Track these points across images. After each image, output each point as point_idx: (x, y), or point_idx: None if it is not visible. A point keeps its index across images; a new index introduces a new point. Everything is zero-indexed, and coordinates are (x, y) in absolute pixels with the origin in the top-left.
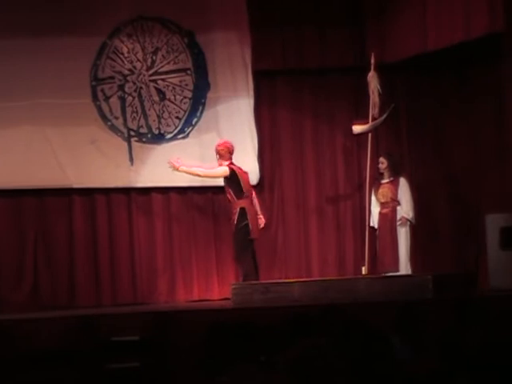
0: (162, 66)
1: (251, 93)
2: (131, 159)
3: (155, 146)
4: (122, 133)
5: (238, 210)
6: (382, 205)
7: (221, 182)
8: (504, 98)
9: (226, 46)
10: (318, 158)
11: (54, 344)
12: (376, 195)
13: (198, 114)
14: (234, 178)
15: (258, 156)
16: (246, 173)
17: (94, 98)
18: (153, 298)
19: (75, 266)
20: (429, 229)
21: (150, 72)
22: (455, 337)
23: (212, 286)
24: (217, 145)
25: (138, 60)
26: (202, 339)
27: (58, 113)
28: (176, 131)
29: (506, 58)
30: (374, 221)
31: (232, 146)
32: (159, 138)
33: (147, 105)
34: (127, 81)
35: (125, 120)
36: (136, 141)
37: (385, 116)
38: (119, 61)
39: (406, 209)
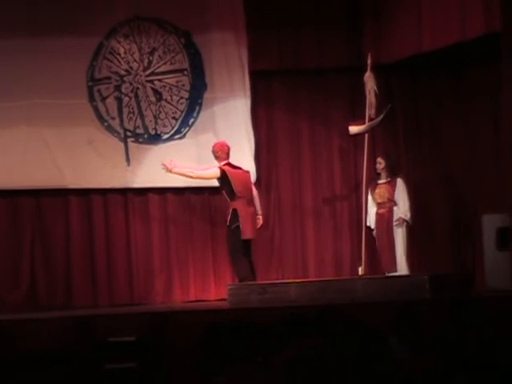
0: (158, 67)
1: (248, 93)
2: (128, 160)
3: (152, 147)
4: (119, 133)
5: (231, 211)
6: (379, 205)
7: (215, 183)
8: (500, 98)
9: (222, 47)
10: (315, 158)
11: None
12: (373, 195)
13: (195, 115)
14: (225, 180)
15: (254, 156)
16: (245, 172)
17: (91, 98)
18: (149, 299)
19: (72, 267)
20: (426, 229)
21: (147, 72)
22: (452, 337)
23: (209, 287)
24: (213, 145)
25: (135, 60)
26: (198, 340)
27: (54, 113)
28: (173, 132)
29: (502, 58)
30: (371, 221)
31: (227, 147)
32: (156, 139)
33: (144, 105)
34: (124, 81)
35: (121, 120)
36: (132, 141)
37: (381, 116)
38: (116, 61)
39: (403, 209)
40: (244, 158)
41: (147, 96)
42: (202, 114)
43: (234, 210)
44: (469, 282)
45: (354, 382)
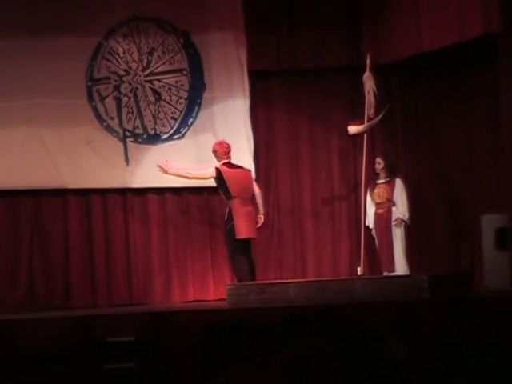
0: (157, 67)
1: (247, 93)
2: (127, 160)
3: (151, 147)
4: (118, 133)
5: (227, 210)
6: (378, 205)
7: (214, 183)
8: (500, 98)
9: (221, 47)
10: (314, 158)
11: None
12: (371, 195)
13: (194, 115)
14: (220, 180)
15: (253, 156)
16: (245, 171)
17: (90, 98)
18: (148, 299)
19: (71, 267)
20: (424, 229)
21: (146, 72)
22: (451, 337)
23: (207, 287)
24: (212, 145)
25: (134, 60)
26: (197, 340)
27: (53, 113)
28: (172, 132)
29: (501, 58)
30: (369, 221)
31: (227, 146)
32: (155, 139)
33: (143, 105)
34: (123, 81)
35: (120, 120)
36: (131, 141)
37: (380, 116)
38: (115, 61)
39: (401, 210)
40: (243, 157)
41: (146, 96)
42: (201, 113)
43: (230, 210)
44: (468, 282)
45: (353, 382)
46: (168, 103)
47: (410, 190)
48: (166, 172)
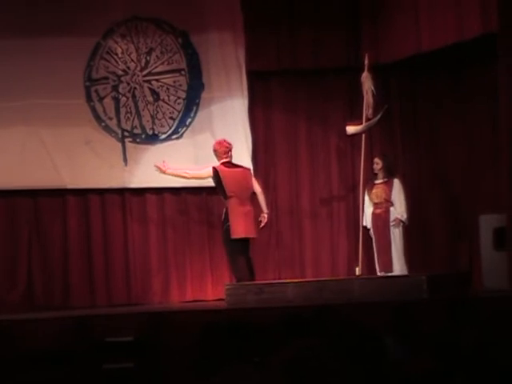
0: (155, 67)
1: (245, 93)
2: (125, 160)
3: (149, 147)
4: (116, 133)
5: (224, 210)
6: (376, 205)
7: (212, 183)
8: (499, 98)
9: (220, 47)
10: (312, 158)
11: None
12: (369, 195)
13: (192, 115)
14: (217, 179)
15: (252, 156)
16: (245, 170)
17: (88, 98)
18: (147, 299)
19: (69, 267)
20: (423, 229)
21: (144, 72)
22: (449, 337)
23: (206, 287)
24: (213, 144)
25: (132, 60)
26: (196, 340)
27: (52, 113)
28: (170, 132)
29: (500, 58)
30: (367, 221)
31: (226, 145)
32: (153, 139)
33: (141, 105)
34: (121, 81)
35: (119, 120)
36: (130, 141)
37: (379, 117)
38: (113, 61)
39: (399, 210)
40: (241, 158)
41: (144, 96)
42: (199, 114)
43: (227, 210)
44: (466, 282)
45: (352, 382)
46: (166, 103)
47: (409, 190)
48: (163, 172)
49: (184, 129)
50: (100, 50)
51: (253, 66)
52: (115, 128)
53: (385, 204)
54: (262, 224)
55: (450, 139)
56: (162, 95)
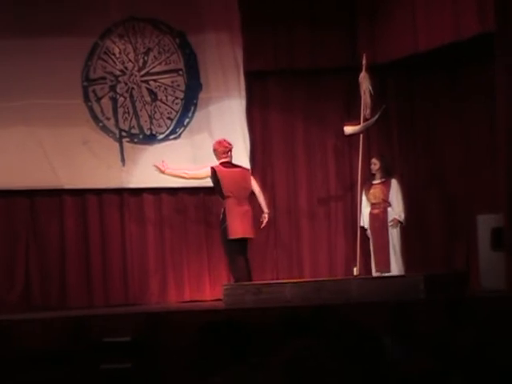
0: (153, 67)
1: (243, 93)
2: (123, 160)
3: (147, 147)
4: (114, 133)
5: (222, 210)
6: (373, 205)
7: (210, 183)
8: (496, 97)
9: (217, 47)
10: (310, 158)
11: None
12: (367, 195)
13: (190, 115)
14: (215, 179)
15: (249, 156)
16: (243, 171)
17: (86, 98)
18: (144, 299)
19: (67, 267)
20: (420, 229)
21: (142, 73)
22: (447, 337)
23: (204, 287)
24: (213, 143)
25: (130, 61)
26: (193, 340)
27: (49, 113)
28: (168, 132)
29: (497, 57)
30: (365, 221)
31: (225, 145)
32: (151, 139)
33: (139, 105)
34: (119, 81)
35: (116, 121)
36: (128, 141)
37: (376, 117)
38: (111, 61)
39: (397, 210)
40: (239, 158)
41: (142, 96)
42: (197, 114)
43: (224, 210)
44: (463, 282)
45: (350, 382)
46: (164, 103)
47: (406, 190)
48: (162, 172)
49: (182, 129)
50: (98, 50)
51: (250, 66)
52: (113, 128)
53: (382, 204)
54: (263, 225)
55: (447, 139)
56: (160, 95)
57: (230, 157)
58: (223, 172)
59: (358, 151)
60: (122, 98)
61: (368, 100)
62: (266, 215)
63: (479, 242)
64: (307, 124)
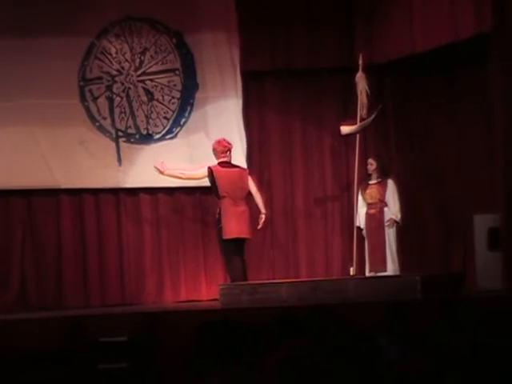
0: (150, 67)
1: (239, 93)
2: (119, 160)
3: (143, 147)
4: (110, 133)
5: (218, 210)
6: (370, 205)
7: (207, 183)
8: (492, 98)
9: (214, 47)
10: (307, 158)
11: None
12: (363, 196)
13: (187, 115)
14: (211, 179)
15: (246, 156)
16: (241, 171)
17: (82, 98)
18: (141, 299)
19: (63, 267)
20: (417, 229)
21: (138, 72)
22: (443, 337)
23: (200, 287)
24: (213, 143)
25: (126, 60)
26: (189, 340)
27: (46, 113)
28: (164, 131)
29: (494, 58)
30: (361, 221)
31: (224, 144)
32: (147, 139)
33: (135, 105)
34: (115, 81)
35: (113, 120)
36: (124, 141)
37: (373, 117)
38: (107, 61)
39: (393, 210)
40: (236, 158)
41: (139, 96)
42: (193, 113)
43: (220, 210)
44: (460, 283)
45: (345, 382)
46: (160, 103)
47: (402, 190)
48: (162, 173)
49: (178, 129)
50: (94, 50)
51: (247, 66)
52: (109, 128)
53: (379, 204)
54: (260, 225)
55: (444, 139)
56: (156, 95)
57: (229, 157)
58: (220, 172)
59: (355, 151)
60: (118, 98)
61: (364, 100)
62: (263, 216)
63: (476, 242)
64: (304, 124)
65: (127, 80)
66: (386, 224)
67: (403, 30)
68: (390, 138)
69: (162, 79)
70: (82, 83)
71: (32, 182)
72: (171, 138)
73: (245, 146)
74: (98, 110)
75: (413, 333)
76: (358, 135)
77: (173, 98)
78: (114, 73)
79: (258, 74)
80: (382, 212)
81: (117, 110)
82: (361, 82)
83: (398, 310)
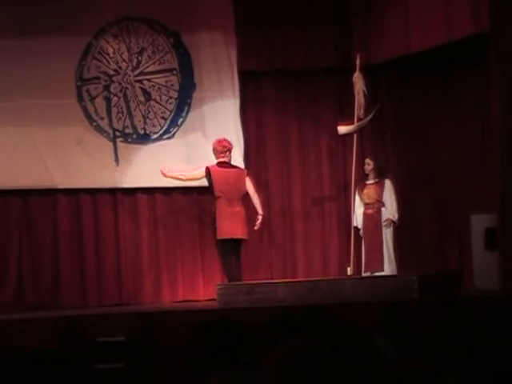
0: (147, 67)
1: (237, 93)
2: (117, 160)
3: (141, 147)
4: (108, 133)
5: (213, 211)
6: (367, 205)
7: (205, 183)
8: (490, 98)
9: (211, 47)
10: (304, 158)
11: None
12: (360, 196)
13: (184, 114)
14: (208, 179)
15: (243, 157)
16: (239, 171)
17: (80, 98)
18: (138, 299)
19: (60, 267)
20: (414, 229)
21: (136, 72)
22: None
23: (197, 287)
24: (213, 142)
25: (124, 60)
26: (187, 340)
27: (43, 113)
28: (161, 131)
29: (491, 57)
30: (358, 221)
31: (226, 145)
32: (145, 139)
33: (133, 105)
34: (113, 81)
35: (110, 120)
36: (121, 141)
37: (370, 117)
38: (105, 61)
39: (391, 210)
40: (234, 158)
41: (136, 96)
42: (190, 113)
43: (214, 210)
44: (457, 283)
45: (343, 382)
46: (158, 103)
47: (400, 190)
48: (165, 175)
49: (176, 129)
50: (92, 50)
51: (244, 66)
52: (107, 128)
53: (376, 204)
54: (256, 226)
55: (441, 139)
56: (154, 95)
57: (229, 157)
58: (217, 172)
59: (352, 151)
60: (115, 98)
61: (362, 100)
62: (260, 217)
63: (473, 242)
64: (301, 124)
65: (125, 80)
66: (384, 224)
67: (399, 29)
68: (387, 138)
69: (160, 79)
70: (79, 83)
71: (29, 182)
72: (169, 138)
73: (242, 146)
74: (96, 110)
75: (410, 333)
76: (355, 135)
77: (170, 97)
78: (112, 73)
79: (255, 74)
80: (379, 212)
81: (114, 110)
82: (358, 82)
83: (396, 310)
